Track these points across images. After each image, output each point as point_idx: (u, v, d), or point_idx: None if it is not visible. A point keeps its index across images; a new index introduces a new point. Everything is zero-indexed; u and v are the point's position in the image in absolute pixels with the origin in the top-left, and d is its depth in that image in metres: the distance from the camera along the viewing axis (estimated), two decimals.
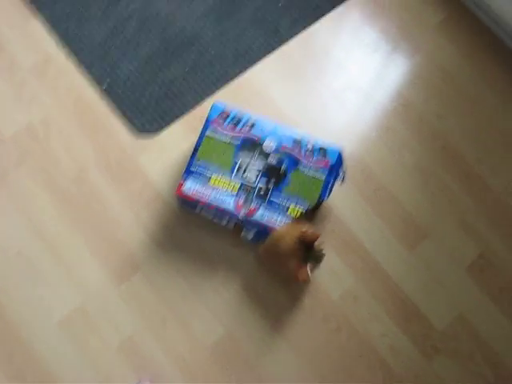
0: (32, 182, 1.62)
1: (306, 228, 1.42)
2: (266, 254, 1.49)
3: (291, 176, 1.50)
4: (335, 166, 1.52)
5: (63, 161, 1.64)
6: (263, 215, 1.47)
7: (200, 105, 1.74)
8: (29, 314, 1.51)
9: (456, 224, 1.66)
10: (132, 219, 1.60)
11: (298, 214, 1.47)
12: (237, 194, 1.48)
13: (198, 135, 1.54)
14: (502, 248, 1.65)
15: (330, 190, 1.51)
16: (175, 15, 1.84)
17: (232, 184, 1.49)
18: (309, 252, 1.45)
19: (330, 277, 1.58)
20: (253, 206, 1.47)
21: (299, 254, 1.43)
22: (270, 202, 1.47)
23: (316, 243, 1.45)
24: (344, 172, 1.57)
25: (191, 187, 1.48)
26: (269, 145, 1.53)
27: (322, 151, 1.52)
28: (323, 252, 1.52)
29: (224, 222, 1.52)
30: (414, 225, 1.65)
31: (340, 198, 1.65)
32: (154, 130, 1.69)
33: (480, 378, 1.53)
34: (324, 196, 1.49)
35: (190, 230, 1.60)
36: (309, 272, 1.43)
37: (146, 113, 1.71)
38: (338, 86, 1.81)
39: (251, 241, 1.52)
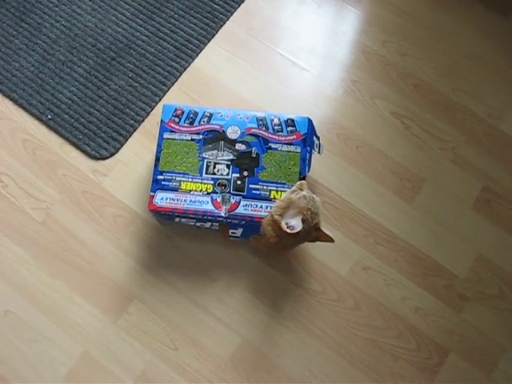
0: None
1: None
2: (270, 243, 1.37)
3: (264, 158, 1.40)
4: (308, 136, 1.41)
5: (27, 206, 1.54)
6: (246, 206, 1.36)
7: (153, 109, 1.64)
8: (32, 374, 1.40)
9: (450, 162, 1.58)
10: (112, 248, 1.50)
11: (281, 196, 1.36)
12: (212, 191, 1.37)
13: (157, 142, 1.43)
14: (503, 175, 1.57)
15: (310, 162, 1.41)
16: (104, 24, 1.74)
17: (204, 183, 1.38)
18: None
19: (334, 253, 1.49)
20: (233, 200, 1.36)
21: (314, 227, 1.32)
22: (250, 191, 1.37)
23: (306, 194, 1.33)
24: (319, 139, 1.48)
25: (163, 198, 1.37)
26: (233, 131, 1.42)
27: (290, 122, 1.42)
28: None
29: (208, 225, 1.41)
30: (407, 175, 1.57)
31: (323, 167, 1.56)
32: (111, 152, 1.59)
33: None
34: (304, 171, 1.38)
35: (176, 243, 1.50)
36: (328, 232, 1.33)
37: (99, 136, 1.60)
38: (292, 53, 1.72)
39: (241, 237, 1.42)
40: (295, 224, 1.26)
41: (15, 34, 1.72)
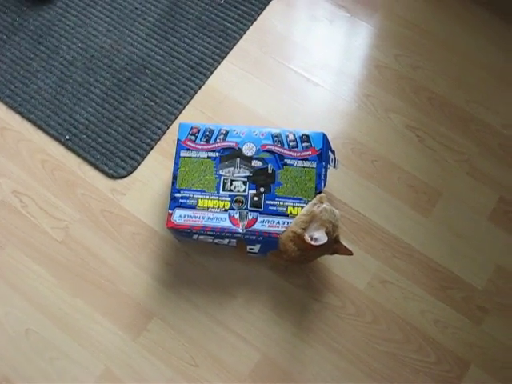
0: (20, 258, 1.53)
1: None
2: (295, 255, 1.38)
3: (281, 174, 1.40)
4: (323, 151, 1.42)
5: (46, 225, 1.56)
6: (264, 222, 1.37)
7: (170, 128, 1.66)
8: None
9: (465, 174, 1.58)
10: (131, 266, 1.51)
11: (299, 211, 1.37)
12: (230, 208, 1.38)
13: (173, 160, 1.45)
14: None
15: (325, 177, 1.41)
16: (119, 44, 1.76)
17: (222, 200, 1.39)
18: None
19: (352, 267, 1.49)
20: (250, 216, 1.37)
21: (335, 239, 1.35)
22: (267, 207, 1.38)
23: (325, 205, 1.34)
24: (334, 154, 1.48)
25: (181, 216, 1.38)
26: (248, 148, 1.43)
27: (305, 138, 1.43)
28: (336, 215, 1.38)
29: (226, 242, 1.42)
30: (422, 188, 1.57)
31: (339, 182, 1.57)
32: (129, 171, 1.61)
33: None
34: (320, 186, 1.39)
35: (194, 260, 1.51)
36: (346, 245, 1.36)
37: (116, 156, 1.62)
38: (305, 69, 1.73)
39: (259, 253, 1.43)
40: (319, 236, 1.28)
41: (33, 56, 1.76)
